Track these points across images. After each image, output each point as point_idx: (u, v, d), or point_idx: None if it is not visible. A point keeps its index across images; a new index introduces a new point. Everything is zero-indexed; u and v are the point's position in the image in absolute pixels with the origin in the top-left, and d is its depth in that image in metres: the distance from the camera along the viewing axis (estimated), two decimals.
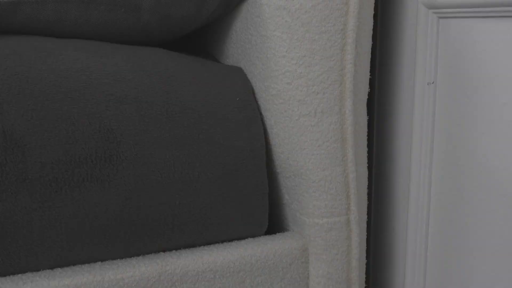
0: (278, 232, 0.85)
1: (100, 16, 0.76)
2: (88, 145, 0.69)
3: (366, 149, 0.84)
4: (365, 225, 0.84)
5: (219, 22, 0.90)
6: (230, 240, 0.80)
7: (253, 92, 0.83)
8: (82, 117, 0.69)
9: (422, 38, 0.81)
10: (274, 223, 0.88)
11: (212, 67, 0.83)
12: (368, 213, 0.88)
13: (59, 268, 0.70)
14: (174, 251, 0.76)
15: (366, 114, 0.83)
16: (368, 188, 0.84)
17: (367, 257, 0.87)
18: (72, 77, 0.70)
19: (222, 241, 0.80)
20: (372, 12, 0.80)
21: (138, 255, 0.74)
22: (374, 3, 0.80)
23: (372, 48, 0.82)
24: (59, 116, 0.68)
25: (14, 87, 0.67)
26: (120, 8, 0.77)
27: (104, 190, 0.70)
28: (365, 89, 0.82)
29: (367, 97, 0.82)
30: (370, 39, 0.81)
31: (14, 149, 0.66)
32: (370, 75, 0.82)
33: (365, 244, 0.85)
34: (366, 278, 0.87)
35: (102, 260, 0.72)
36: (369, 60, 0.81)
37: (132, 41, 0.82)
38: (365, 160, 0.84)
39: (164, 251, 0.76)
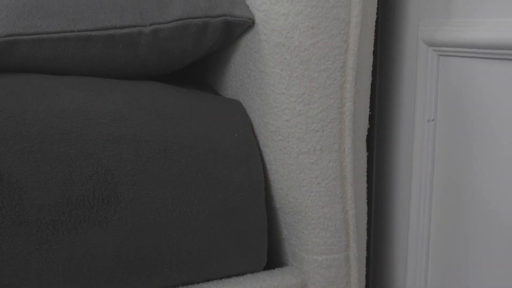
0: (277, 266, 0.84)
1: (98, 53, 0.76)
2: (85, 187, 0.69)
3: (365, 185, 0.83)
4: (364, 261, 0.84)
5: (218, 53, 0.90)
6: (229, 276, 0.79)
7: (252, 127, 0.82)
8: (80, 158, 0.69)
9: (422, 75, 0.81)
10: (273, 257, 0.88)
11: (210, 101, 0.82)
12: (368, 249, 0.87)
13: None
14: None
15: (365, 150, 0.82)
16: (367, 224, 0.84)
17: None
18: (70, 117, 0.70)
19: (221, 278, 0.79)
20: (372, 49, 0.80)
21: None
22: (374, 40, 0.80)
23: (371, 85, 0.82)
24: (56, 157, 0.68)
25: (10, 129, 0.66)
26: (118, 44, 0.76)
27: (101, 231, 0.69)
28: (364, 126, 0.81)
29: (366, 133, 0.82)
30: (370, 75, 0.81)
31: (11, 192, 0.65)
32: (369, 111, 0.82)
33: (364, 281, 0.84)
34: None
35: None
36: (369, 96, 0.81)
37: (129, 75, 0.81)
38: (364, 196, 0.83)
39: None
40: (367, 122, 0.82)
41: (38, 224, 0.66)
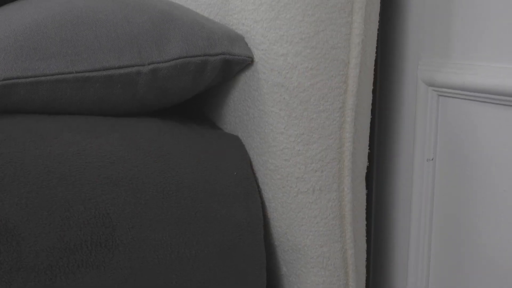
0: None
1: (96, 93, 0.75)
2: (83, 231, 0.68)
3: (364, 223, 0.83)
4: None
5: (217, 87, 0.90)
6: None
7: (250, 165, 0.82)
8: (77, 203, 0.68)
9: (422, 114, 0.80)
10: None
11: (209, 138, 0.82)
12: (367, 287, 0.87)
13: None
14: None
15: (364, 189, 0.82)
16: (366, 262, 0.84)
17: None
18: (67, 161, 0.69)
19: None
20: (371, 88, 0.79)
21: None
22: (373, 79, 0.79)
23: (371, 123, 0.81)
24: (54, 202, 0.67)
25: (8, 175, 0.66)
26: (116, 84, 0.76)
27: (100, 276, 0.69)
28: (363, 164, 0.81)
29: (365, 171, 0.82)
30: (369, 115, 0.80)
31: (8, 238, 0.65)
32: (369, 150, 0.82)
33: None
34: None
35: None
36: (368, 135, 0.81)
37: (128, 112, 0.81)
38: (363, 235, 0.83)
39: None
40: (366, 161, 0.81)
41: (36, 269, 0.66)
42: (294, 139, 0.76)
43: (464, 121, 0.75)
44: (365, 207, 0.83)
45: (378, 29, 0.78)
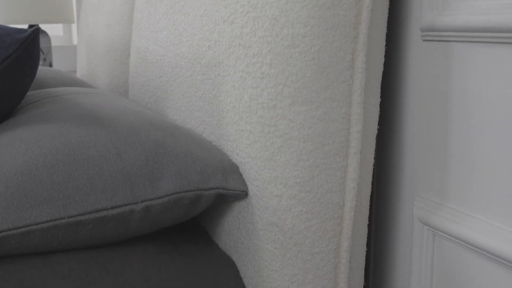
0: None
1: (88, 232, 0.74)
2: None
3: None
4: None
5: None
6: None
7: None
8: None
9: (417, 251, 0.79)
10: None
11: (203, 265, 0.81)
12: None
13: None
14: None
15: None
16: None
17: None
18: None
19: None
20: (366, 224, 0.78)
21: None
22: (368, 216, 0.79)
23: (366, 256, 0.81)
24: None
25: None
26: (109, 223, 0.75)
27: None
28: None
29: None
30: (364, 251, 0.79)
31: None
32: (364, 284, 0.81)
33: None
34: None
35: None
36: (363, 272, 0.80)
37: (120, 241, 0.80)
38: None
39: None
40: None
41: None
42: (288, 278, 0.75)
43: (461, 269, 0.73)
44: None
45: (374, 165, 0.77)
